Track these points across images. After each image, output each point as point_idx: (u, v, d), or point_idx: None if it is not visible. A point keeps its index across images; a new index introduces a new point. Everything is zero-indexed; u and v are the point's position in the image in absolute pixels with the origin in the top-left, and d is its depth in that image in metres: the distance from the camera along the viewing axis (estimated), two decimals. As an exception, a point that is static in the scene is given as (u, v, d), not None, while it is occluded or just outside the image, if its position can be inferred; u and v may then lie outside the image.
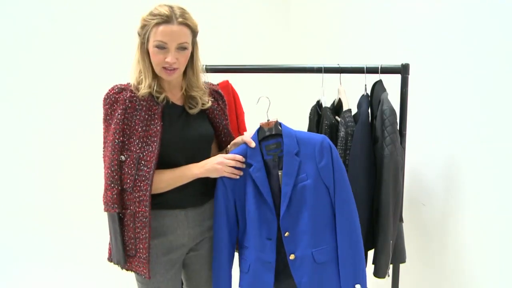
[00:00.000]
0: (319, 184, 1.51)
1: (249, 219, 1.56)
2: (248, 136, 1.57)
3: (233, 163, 1.52)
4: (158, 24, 1.40)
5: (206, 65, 1.94)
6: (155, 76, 1.50)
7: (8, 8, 2.66)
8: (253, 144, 1.54)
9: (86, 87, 2.78)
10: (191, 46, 1.49)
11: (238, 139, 1.61)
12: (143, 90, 1.46)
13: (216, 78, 1.98)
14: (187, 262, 1.65)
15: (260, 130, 1.57)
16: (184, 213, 1.57)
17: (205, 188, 1.60)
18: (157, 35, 1.41)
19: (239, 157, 1.53)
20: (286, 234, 1.52)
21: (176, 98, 1.56)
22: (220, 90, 1.71)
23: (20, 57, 2.72)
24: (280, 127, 1.55)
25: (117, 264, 1.53)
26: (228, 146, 1.66)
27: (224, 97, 1.71)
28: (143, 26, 1.44)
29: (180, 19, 1.42)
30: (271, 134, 1.55)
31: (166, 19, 1.41)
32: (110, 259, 1.56)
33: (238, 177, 1.53)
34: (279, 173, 1.54)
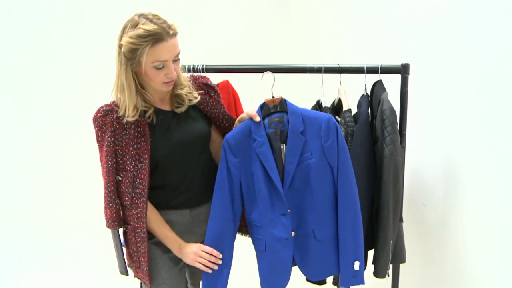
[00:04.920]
0: (323, 163, 1.52)
1: (260, 197, 1.54)
2: (253, 110, 1.55)
3: (207, 257, 1.49)
4: (153, 44, 1.32)
5: (206, 65, 1.94)
6: (138, 95, 1.43)
7: (8, 8, 2.66)
8: (258, 118, 1.52)
9: (87, 87, 2.77)
10: None
11: (244, 114, 1.58)
12: (131, 118, 1.41)
13: (216, 78, 1.98)
14: None
15: (264, 106, 1.55)
16: (189, 211, 1.57)
17: (209, 186, 1.59)
18: (156, 55, 1.33)
19: (216, 253, 1.51)
20: (288, 211, 1.53)
21: (164, 104, 1.54)
22: (209, 82, 1.66)
23: (20, 58, 2.72)
24: (285, 104, 1.55)
25: (121, 274, 1.61)
26: (236, 123, 1.64)
27: (215, 88, 1.67)
28: (133, 50, 1.33)
29: (170, 32, 1.35)
30: (275, 110, 1.54)
31: (160, 37, 1.32)
32: None
33: (210, 271, 1.51)
34: (282, 147, 1.53)
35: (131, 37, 1.32)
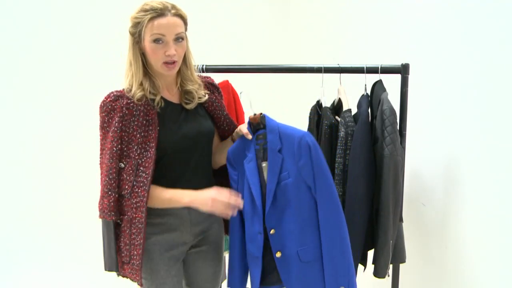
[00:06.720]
0: (300, 182, 1.48)
1: (245, 212, 1.56)
2: (245, 127, 1.56)
3: (226, 201, 1.47)
4: (153, 18, 1.40)
5: (206, 65, 1.94)
6: (147, 77, 1.48)
7: (8, 8, 2.66)
8: (250, 136, 1.53)
9: (87, 87, 2.77)
10: (185, 37, 1.49)
11: (237, 129, 1.61)
12: (137, 93, 1.44)
13: (216, 78, 1.98)
14: (189, 259, 1.65)
15: (250, 123, 1.56)
16: (187, 211, 1.57)
17: (207, 185, 1.58)
18: (154, 28, 1.40)
19: (234, 196, 1.48)
20: (272, 231, 1.51)
21: (172, 95, 1.55)
22: (214, 82, 1.70)
23: (20, 58, 2.71)
24: (264, 121, 1.53)
25: (109, 270, 1.54)
26: (233, 134, 1.65)
27: (219, 89, 1.70)
28: (136, 24, 1.42)
29: (173, 11, 1.43)
30: (259, 128, 1.54)
31: (161, 12, 1.40)
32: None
33: (229, 216, 1.50)
34: (264, 165, 1.53)
35: (136, 13, 1.43)
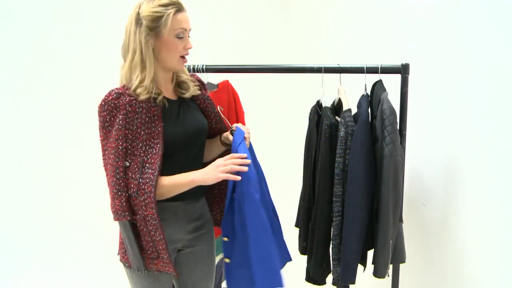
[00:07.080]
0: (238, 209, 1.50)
1: None
2: (231, 138, 1.60)
3: (230, 162, 1.44)
4: (175, 12, 1.42)
5: (206, 65, 1.94)
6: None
7: (8, 8, 2.66)
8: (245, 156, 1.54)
9: (87, 87, 2.78)
10: None
11: (227, 136, 1.64)
12: (143, 95, 1.43)
13: (216, 78, 1.98)
14: (182, 260, 1.65)
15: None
16: (184, 207, 1.57)
17: None
18: (178, 22, 1.43)
19: (238, 155, 1.46)
20: (225, 239, 1.54)
21: (169, 92, 1.57)
22: (201, 79, 1.73)
23: (20, 58, 2.71)
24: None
25: (138, 270, 1.52)
26: (222, 139, 1.67)
27: (205, 85, 1.73)
28: (156, 19, 1.40)
29: (184, 7, 1.47)
30: None
31: (180, 7, 1.45)
32: (131, 267, 1.55)
33: (239, 177, 1.43)
34: None
35: (153, 7, 1.41)
